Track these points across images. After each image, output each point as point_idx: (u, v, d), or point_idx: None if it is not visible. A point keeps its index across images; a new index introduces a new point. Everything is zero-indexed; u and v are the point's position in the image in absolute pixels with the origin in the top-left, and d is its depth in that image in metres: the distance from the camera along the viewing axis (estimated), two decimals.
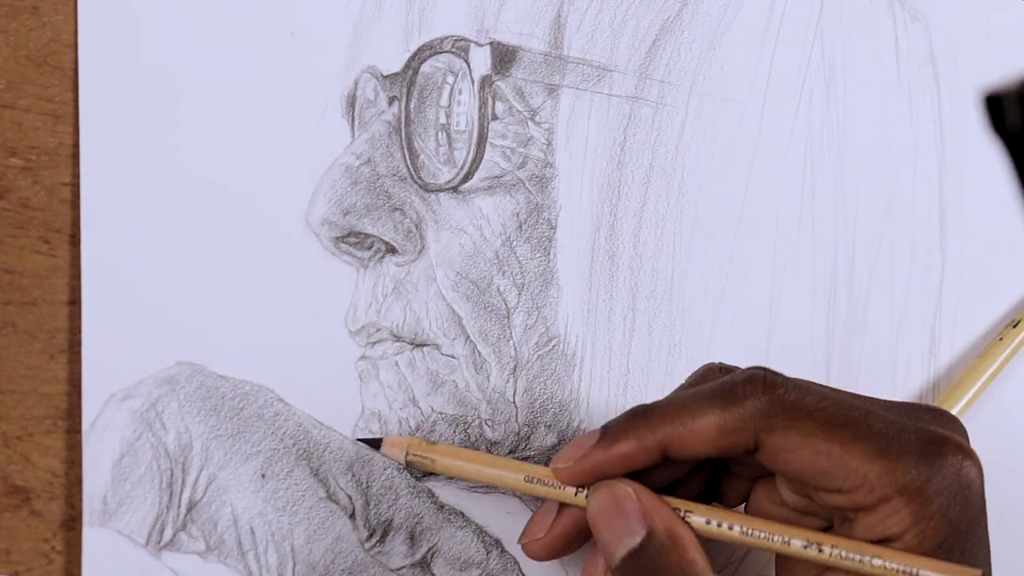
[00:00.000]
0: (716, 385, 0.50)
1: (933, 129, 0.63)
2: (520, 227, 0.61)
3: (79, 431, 0.60)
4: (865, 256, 0.62)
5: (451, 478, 0.60)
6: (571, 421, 0.61)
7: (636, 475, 0.51)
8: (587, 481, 0.51)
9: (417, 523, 0.61)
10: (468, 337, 0.61)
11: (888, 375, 0.62)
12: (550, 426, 0.61)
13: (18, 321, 0.60)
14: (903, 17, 0.63)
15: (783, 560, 0.53)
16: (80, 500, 0.59)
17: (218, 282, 0.61)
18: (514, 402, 0.61)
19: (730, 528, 0.50)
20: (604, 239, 0.61)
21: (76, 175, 0.60)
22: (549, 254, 0.61)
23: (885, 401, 0.51)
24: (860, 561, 0.48)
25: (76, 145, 0.60)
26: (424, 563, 0.61)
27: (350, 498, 0.60)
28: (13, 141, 0.61)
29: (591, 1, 0.62)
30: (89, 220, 0.60)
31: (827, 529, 0.51)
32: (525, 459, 0.61)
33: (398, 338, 0.61)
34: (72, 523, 0.60)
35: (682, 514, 0.50)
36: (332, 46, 0.62)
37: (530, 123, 0.61)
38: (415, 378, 0.61)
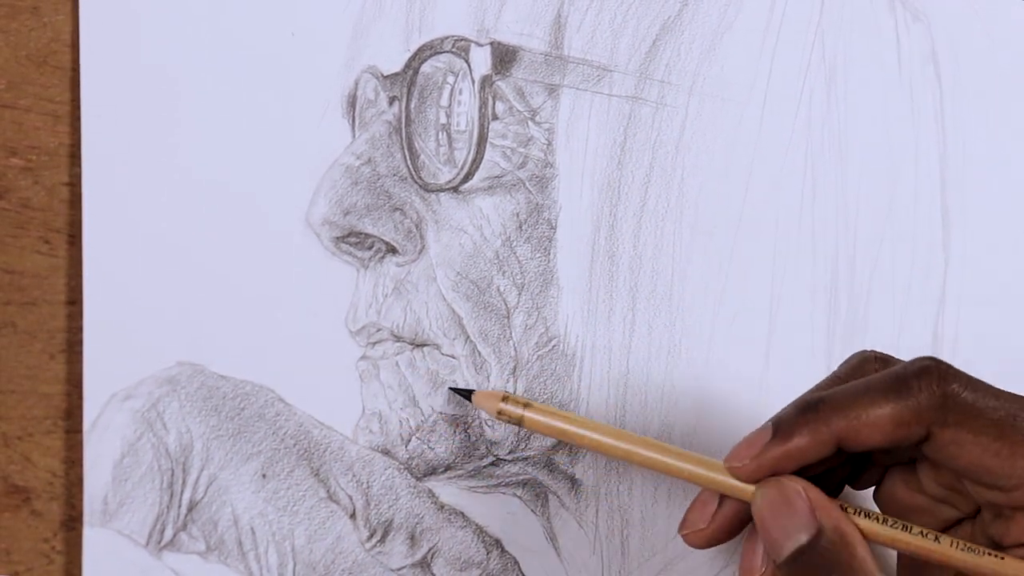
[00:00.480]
0: (889, 376, 0.49)
1: (935, 129, 0.63)
2: (520, 227, 0.61)
3: (79, 431, 0.60)
4: (866, 256, 0.62)
5: (450, 478, 0.60)
6: None
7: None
8: (763, 477, 0.50)
9: (417, 523, 0.61)
10: (468, 337, 0.61)
11: None
12: None
13: (18, 321, 0.60)
14: (904, 17, 0.63)
15: (909, 560, 0.53)
16: (80, 500, 0.59)
17: (219, 282, 0.60)
18: None
19: (894, 528, 0.50)
20: (604, 239, 0.61)
21: (76, 175, 0.60)
22: (549, 254, 0.61)
23: None
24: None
25: (76, 145, 0.60)
26: (424, 563, 0.61)
27: (351, 498, 0.60)
28: (13, 141, 0.61)
29: (591, 1, 0.62)
30: (90, 220, 0.60)
31: (962, 520, 0.51)
32: (525, 459, 0.61)
33: (398, 338, 0.61)
34: (72, 523, 0.60)
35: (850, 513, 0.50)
36: (332, 46, 0.62)
37: (530, 123, 0.61)
38: (415, 378, 0.61)
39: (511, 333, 0.61)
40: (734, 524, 0.53)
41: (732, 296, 0.62)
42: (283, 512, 0.60)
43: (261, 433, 0.60)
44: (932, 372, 0.48)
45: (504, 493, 0.61)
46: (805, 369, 0.61)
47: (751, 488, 0.51)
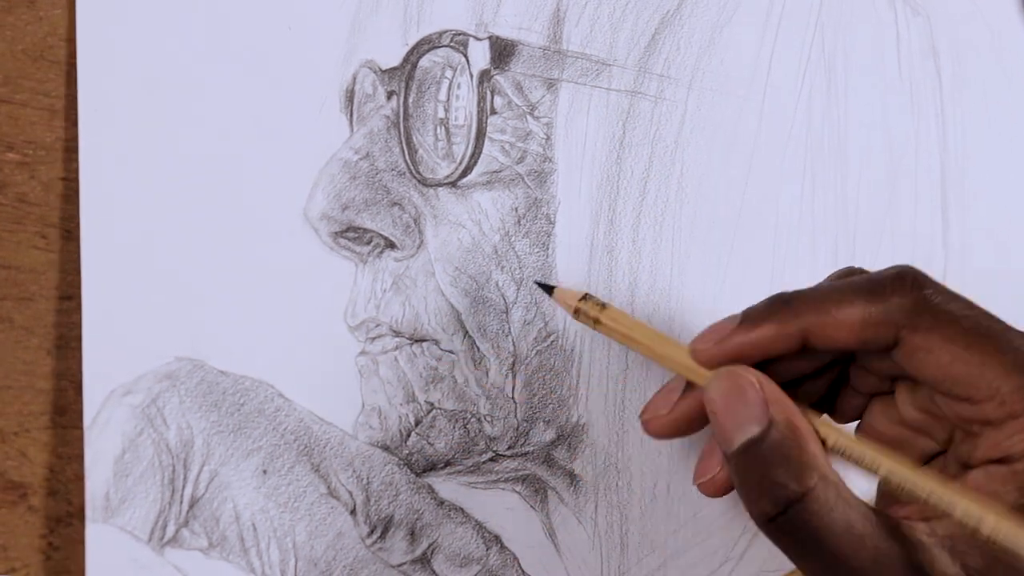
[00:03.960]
0: (863, 279, 0.49)
1: (935, 123, 0.63)
2: (519, 222, 0.61)
3: (76, 426, 0.59)
4: (866, 250, 0.62)
5: (449, 474, 0.60)
6: (570, 416, 0.61)
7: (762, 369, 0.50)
8: (724, 363, 0.50)
9: (417, 519, 0.60)
10: (467, 332, 0.61)
11: None
12: (549, 421, 0.61)
13: (15, 316, 0.60)
14: (904, 11, 0.63)
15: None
16: (77, 496, 0.59)
17: (217, 278, 0.60)
18: (513, 397, 0.61)
19: (848, 439, 0.49)
20: (603, 234, 0.61)
21: (72, 170, 0.60)
22: (548, 249, 0.61)
23: None
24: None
25: (72, 140, 0.60)
26: (424, 559, 0.61)
27: (351, 494, 0.60)
28: (10, 136, 0.60)
29: None
30: (88, 215, 0.60)
31: (940, 454, 0.51)
32: (524, 455, 0.61)
33: (397, 333, 0.61)
34: (69, 519, 0.60)
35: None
36: (330, 40, 0.62)
37: (529, 118, 0.61)
38: (414, 373, 0.61)
39: (510, 328, 0.61)
40: (694, 416, 0.52)
41: (731, 291, 0.62)
42: (284, 508, 0.59)
43: (261, 429, 0.60)
44: (907, 277, 0.48)
45: (503, 489, 0.61)
46: None
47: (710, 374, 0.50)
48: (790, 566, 0.52)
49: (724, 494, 0.52)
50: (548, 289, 0.56)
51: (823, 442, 0.49)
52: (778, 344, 0.49)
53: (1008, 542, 0.45)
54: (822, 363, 0.52)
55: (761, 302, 0.50)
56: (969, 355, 0.47)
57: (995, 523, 0.46)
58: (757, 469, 0.47)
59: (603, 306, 0.54)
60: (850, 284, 0.49)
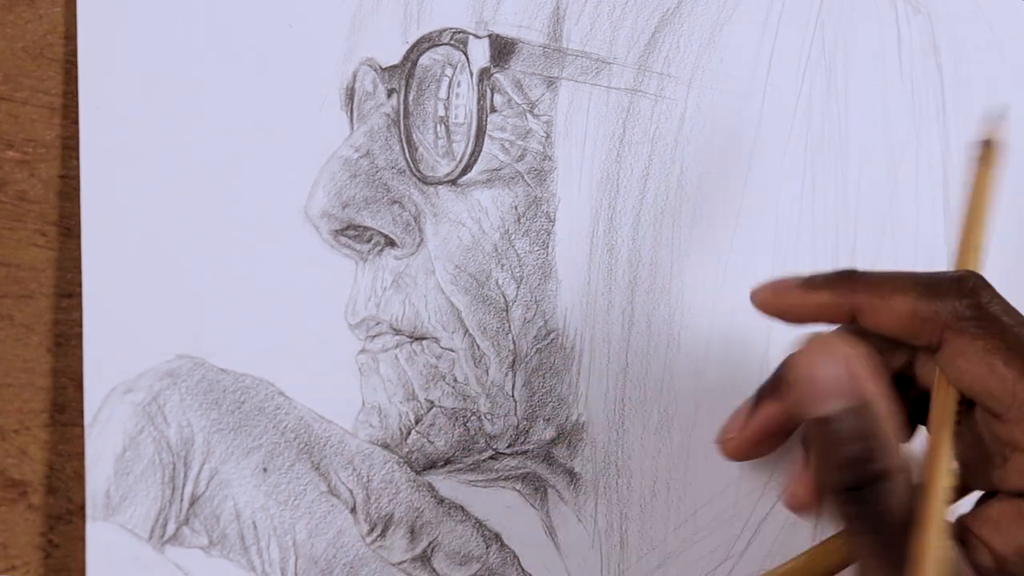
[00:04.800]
0: (927, 274, 0.49)
1: (936, 121, 0.63)
2: (519, 220, 0.61)
3: (76, 424, 0.59)
4: (867, 249, 0.62)
5: (450, 472, 0.60)
6: (570, 414, 0.61)
7: None
8: (774, 313, 0.52)
9: (417, 517, 0.60)
10: (467, 330, 0.61)
11: None
12: (549, 419, 0.61)
13: (15, 314, 0.60)
14: (905, 9, 0.63)
15: None
16: (77, 493, 0.59)
17: (218, 275, 0.60)
18: (513, 396, 0.61)
19: None
20: (603, 232, 0.61)
21: (72, 168, 0.60)
22: (548, 247, 0.61)
23: None
24: None
25: (72, 138, 0.60)
26: (424, 557, 0.61)
27: (351, 492, 0.60)
28: (10, 134, 0.60)
29: None
30: (89, 213, 0.60)
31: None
32: (524, 453, 0.61)
33: (397, 331, 0.61)
34: (70, 516, 0.60)
35: None
36: (330, 38, 0.62)
37: (529, 116, 0.61)
38: (414, 371, 0.61)
39: (510, 326, 0.61)
40: (765, 434, 0.52)
41: (731, 289, 0.62)
42: (284, 506, 0.59)
43: (262, 427, 0.60)
44: (967, 281, 0.48)
45: (503, 487, 0.61)
46: None
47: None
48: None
49: (742, 459, 0.52)
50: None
51: None
52: (829, 312, 0.50)
53: None
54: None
55: (828, 271, 0.51)
56: (1005, 371, 0.46)
57: None
58: (838, 441, 0.46)
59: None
60: (913, 275, 0.49)
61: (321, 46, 0.61)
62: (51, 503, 0.60)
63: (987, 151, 0.53)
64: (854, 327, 0.51)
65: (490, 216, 0.61)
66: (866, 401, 0.46)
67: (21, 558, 0.60)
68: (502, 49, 0.61)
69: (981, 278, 0.49)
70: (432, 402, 0.61)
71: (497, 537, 0.61)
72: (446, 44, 0.61)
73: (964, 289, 0.48)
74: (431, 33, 0.61)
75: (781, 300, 0.51)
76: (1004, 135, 0.54)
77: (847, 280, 0.50)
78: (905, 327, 0.48)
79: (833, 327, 0.52)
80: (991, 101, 0.63)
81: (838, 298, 0.50)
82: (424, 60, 0.61)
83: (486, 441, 0.61)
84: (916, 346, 0.50)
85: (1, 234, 0.60)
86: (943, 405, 0.49)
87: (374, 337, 0.61)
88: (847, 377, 0.46)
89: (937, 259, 0.63)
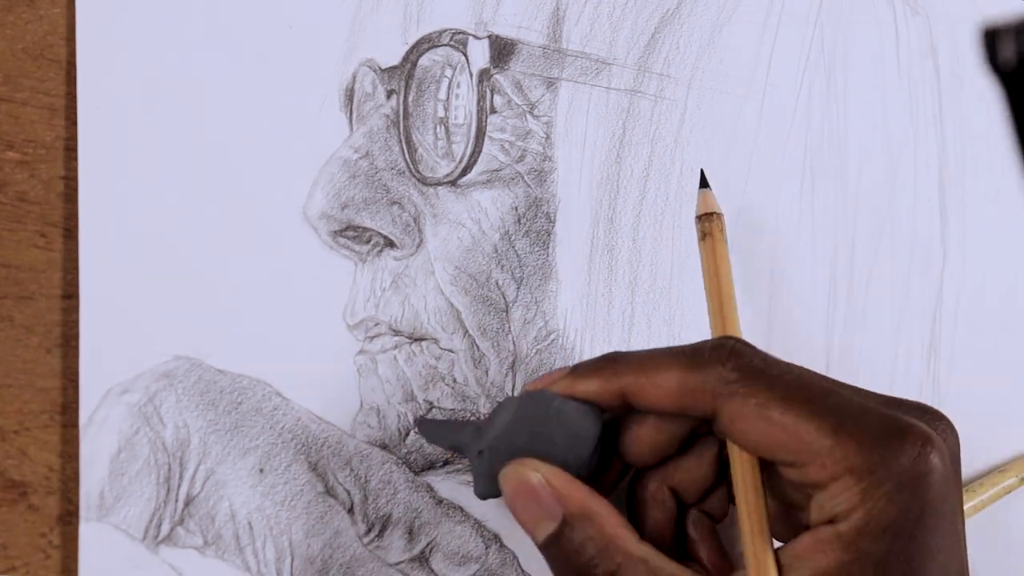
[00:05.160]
0: (687, 346, 0.50)
1: (934, 123, 0.63)
2: (519, 221, 0.61)
3: (76, 425, 0.59)
4: (865, 249, 0.62)
5: (448, 472, 0.60)
6: None
7: (616, 438, 0.52)
8: None
9: (416, 517, 0.60)
10: (467, 331, 0.61)
11: (888, 369, 0.62)
12: None
13: (15, 315, 0.60)
14: (903, 10, 0.63)
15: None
16: (77, 495, 0.59)
17: (216, 276, 0.60)
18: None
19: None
20: (603, 233, 0.61)
21: (72, 169, 0.60)
22: (548, 248, 0.61)
23: (874, 394, 0.51)
24: None
25: (73, 139, 0.60)
26: (423, 557, 0.60)
27: (348, 493, 0.60)
28: (10, 135, 0.60)
29: None
30: (87, 214, 0.60)
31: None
32: None
33: (396, 332, 0.61)
34: (69, 518, 0.60)
35: None
36: (330, 39, 0.62)
37: (528, 117, 0.61)
38: (413, 372, 0.61)
39: (510, 327, 0.61)
40: None
41: None
42: (281, 507, 0.59)
43: (259, 427, 0.60)
44: (726, 347, 0.49)
45: None
46: (803, 362, 0.61)
47: None
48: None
49: None
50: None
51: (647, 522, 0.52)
52: (602, 398, 0.51)
53: None
54: (679, 442, 0.53)
55: (593, 358, 0.52)
56: (784, 419, 0.47)
57: None
58: (565, 558, 0.50)
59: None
60: (673, 350, 0.51)
61: (320, 47, 0.61)
62: (51, 504, 0.60)
63: (710, 224, 0.55)
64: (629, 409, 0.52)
65: (490, 217, 0.61)
66: (569, 513, 0.49)
67: (21, 559, 0.60)
68: (502, 50, 0.61)
69: (739, 340, 0.50)
70: (431, 403, 0.61)
71: (496, 538, 0.61)
72: (446, 45, 0.61)
73: (724, 354, 0.49)
74: (431, 34, 0.62)
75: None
76: (715, 201, 0.55)
77: (611, 364, 0.51)
78: (675, 402, 0.49)
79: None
80: (988, 101, 0.63)
81: (606, 383, 0.51)
82: (424, 61, 0.61)
83: None
84: (694, 416, 0.51)
85: (1, 235, 0.60)
86: (745, 475, 0.51)
87: (373, 338, 0.61)
88: (548, 499, 0.50)
89: (935, 258, 0.63)
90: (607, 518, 0.49)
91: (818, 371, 0.52)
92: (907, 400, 0.51)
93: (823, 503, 0.47)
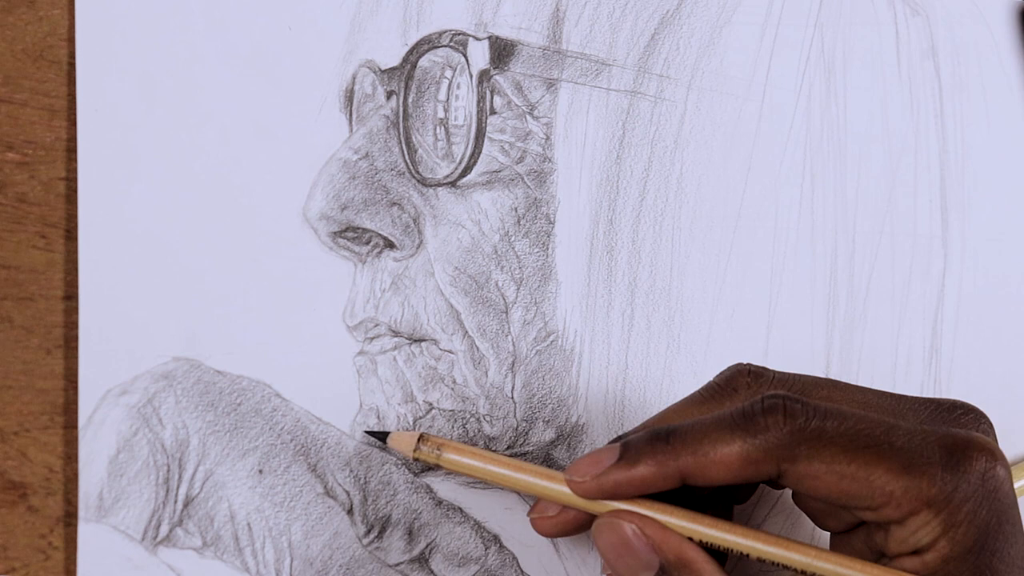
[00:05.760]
0: (738, 413, 0.49)
1: (934, 123, 0.63)
2: (518, 222, 0.61)
3: (76, 426, 0.59)
4: (865, 250, 0.62)
5: (451, 473, 0.60)
6: (569, 416, 0.61)
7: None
8: (601, 498, 0.51)
9: (415, 519, 0.60)
10: (466, 332, 0.61)
11: (888, 370, 0.62)
12: (548, 421, 0.61)
13: (15, 316, 0.60)
14: (904, 11, 0.63)
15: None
16: (77, 496, 0.59)
17: (215, 277, 0.60)
18: (512, 397, 0.61)
19: (735, 541, 0.50)
20: (603, 234, 0.61)
21: (72, 170, 0.60)
22: (547, 249, 0.61)
23: (909, 399, 0.51)
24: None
25: (73, 140, 0.60)
26: (422, 558, 0.60)
27: (348, 493, 0.60)
28: (10, 136, 0.60)
29: None
30: (86, 215, 0.60)
31: (859, 526, 0.51)
32: (523, 455, 0.61)
33: (396, 333, 0.61)
34: (69, 519, 0.60)
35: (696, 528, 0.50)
36: (330, 40, 0.62)
37: (528, 118, 0.61)
38: (413, 373, 0.61)
39: (509, 328, 0.61)
40: (583, 517, 0.52)
41: (731, 290, 0.62)
42: (280, 508, 0.59)
43: (258, 428, 0.60)
44: (779, 410, 0.48)
45: (502, 488, 0.61)
46: (804, 363, 0.61)
47: (591, 505, 0.51)
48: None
49: (555, 535, 0.53)
50: (382, 436, 0.56)
51: (728, 554, 0.50)
52: (657, 484, 0.50)
53: None
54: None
55: (640, 436, 0.50)
56: (854, 470, 0.47)
57: None
58: None
59: (440, 445, 0.53)
60: (726, 420, 0.49)
61: (320, 48, 0.61)
62: (51, 505, 0.60)
63: (426, 444, 0.54)
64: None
65: (490, 218, 0.61)
66: (666, 561, 0.49)
67: (21, 560, 0.60)
68: (502, 51, 0.61)
69: (789, 397, 0.49)
70: (431, 404, 0.61)
71: (496, 538, 0.61)
72: (446, 46, 0.61)
73: (780, 419, 0.48)
74: (431, 35, 0.61)
75: (604, 486, 0.50)
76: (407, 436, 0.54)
77: (664, 444, 0.49)
78: (737, 475, 0.49)
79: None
80: (988, 102, 0.63)
81: (662, 467, 0.49)
82: (423, 62, 0.61)
83: (485, 443, 0.61)
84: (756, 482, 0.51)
85: (1, 236, 0.60)
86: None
87: (372, 339, 0.61)
88: (643, 550, 0.49)
89: (934, 258, 0.63)
90: (703, 564, 0.49)
91: (818, 374, 0.52)
92: (943, 400, 0.51)
93: (904, 538, 0.48)
